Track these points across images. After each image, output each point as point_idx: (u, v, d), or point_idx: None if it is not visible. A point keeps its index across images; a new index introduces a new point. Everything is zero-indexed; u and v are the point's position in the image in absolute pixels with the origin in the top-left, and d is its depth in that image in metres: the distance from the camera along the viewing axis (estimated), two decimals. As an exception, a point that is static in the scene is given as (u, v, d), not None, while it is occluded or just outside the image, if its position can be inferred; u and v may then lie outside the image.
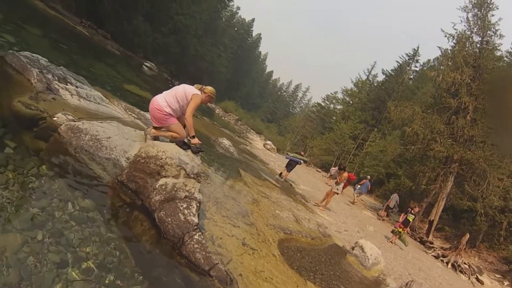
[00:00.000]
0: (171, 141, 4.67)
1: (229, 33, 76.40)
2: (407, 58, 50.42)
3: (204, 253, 3.43)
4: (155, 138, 4.70)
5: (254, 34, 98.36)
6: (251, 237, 4.79)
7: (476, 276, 16.06)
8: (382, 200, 28.16)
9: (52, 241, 2.58)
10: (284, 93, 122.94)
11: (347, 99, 56.72)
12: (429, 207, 22.41)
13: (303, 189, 14.47)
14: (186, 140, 4.74)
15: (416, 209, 14.88)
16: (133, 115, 6.42)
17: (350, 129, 46.14)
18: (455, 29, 22.16)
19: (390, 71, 51.47)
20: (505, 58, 22.51)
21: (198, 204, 3.94)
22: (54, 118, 3.96)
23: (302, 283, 4.48)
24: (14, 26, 9.65)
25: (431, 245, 18.43)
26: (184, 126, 4.78)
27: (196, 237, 3.53)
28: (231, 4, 74.73)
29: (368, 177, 22.41)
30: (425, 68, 46.92)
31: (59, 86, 4.73)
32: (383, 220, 20.23)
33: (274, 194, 8.63)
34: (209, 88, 4.96)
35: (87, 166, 3.80)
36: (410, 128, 22.51)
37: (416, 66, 51.05)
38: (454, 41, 22.39)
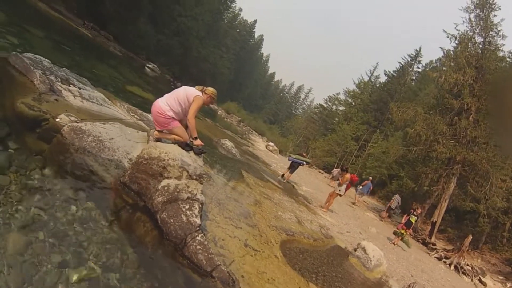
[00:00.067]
0: (173, 143, 4.67)
1: (231, 35, 76.53)
2: (409, 59, 50.44)
3: (206, 254, 3.42)
4: (158, 140, 4.71)
5: (256, 35, 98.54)
6: (253, 239, 4.78)
7: (479, 277, 15.98)
8: (384, 202, 28.08)
9: (54, 241, 2.58)
10: (287, 94, 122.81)
11: (349, 100, 56.70)
12: (432, 209, 22.37)
13: (305, 191, 14.45)
14: (188, 142, 4.74)
15: (419, 211, 14.84)
16: (136, 116, 6.43)
17: (352, 130, 46.08)
18: (457, 29, 22.21)
19: (392, 72, 51.55)
20: (507, 59, 22.40)
21: (200, 206, 3.94)
22: (57, 119, 3.97)
23: (304, 284, 4.47)
24: (18, 28, 9.69)
25: (434, 247, 18.38)
26: (186, 128, 4.79)
27: (198, 238, 3.52)
28: (233, 5, 74.86)
29: (370, 178, 22.41)
30: (427, 69, 46.96)
31: (62, 87, 4.74)
32: (386, 221, 20.19)
33: (276, 196, 8.63)
34: (210, 89, 4.97)
35: (90, 167, 3.81)
36: (413, 129, 22.46)
37: (418, 67, 51.11)
38: (456, 41, 22.40)
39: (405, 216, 14.43)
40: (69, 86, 4.94)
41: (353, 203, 20.26)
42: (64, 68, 5.34)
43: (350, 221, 12.87)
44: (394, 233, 13.94)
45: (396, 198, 20.84)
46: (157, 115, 4.56)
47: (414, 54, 50.14)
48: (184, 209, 3.71)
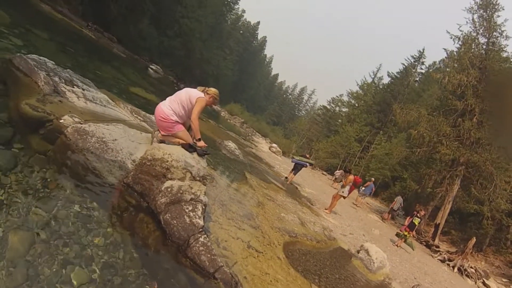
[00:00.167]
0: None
1: (234, 36, 76.76)
2: (412, 60, 50.23)
3: (209, 255, 3.43)
4: (162, 141, 4.72)
5: (259, 37, 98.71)
6: (256, 240, 4.78)
7: (483, 280, 15.89)
8: (387, 203, 28.03)
9: (57, 242, 2.59)
10: (290, 96, 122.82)
11: (353, 101, 56.58)
12: (435, 211, 22.27)
13: (308, 192, 14.44)
14: (192, 143, 4.74)
15: (422, 213, 14.79)
16: (139, 117, 6.44)
17: (355, 131, 45.96)
18: (460, 30, 22.13)
19: (395, 74, 51.31)
20: (511, 60, 22.31)
21: (203, 207, 3.95)
22: (61, 120, 3.98)
23: (307, 286, 4.46)
24: (22, 30, 9.73)
25: (437, 249, 18.29)
26: (189, 129, 4.80)
27: (201, 239, 3.52)
28: (236, 7, 75.05)
29: (373, 179, 22.38)
30: (430, 70, 46.75)
31: (65, 88, 4.76)
32: (387, 222, 20.13)
33: (279, 197, 8.63)
34: (212, 90, 4.98)
35: (93, 168, 3.82)
36: (416, 131, 22.39)
37: (421, 68, 50.84)
38: (460, 42, 22.33)
39: (408, 218, 14.39)
40: (73, 87, 4.96)
41: (355, 205, 20.21)
42: (68, 70, 5.36)
43: (353, 222, 12.84)
44: (397, 235, 13.90)
45: (398, 200, 20.80)
46: (161, 120, 4.57)
47: (418, 55, 49.98)
48: (187, 210, 3.71)
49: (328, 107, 63.91)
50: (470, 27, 21.74)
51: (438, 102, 25.11)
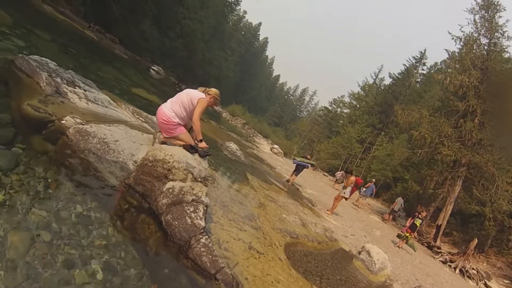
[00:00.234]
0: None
1: (236, 37, 76.86)
2: (414, 61, 50.20)
3: (210, 256, 3.42)
4: (164, 143, 4.72)
5: (261, 38, 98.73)
6: (257, 241, 4.77)
7: (485, 281, 15.85)
8: (389, 204, 27.99)
9: (59, 242, 2.59)
10: (291, 97, 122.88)
11: (354, 102, 56.57)
12: (437, 212, 22.23)
13: (310, 193, 14.42)
14: (193, 144, 4.74)
15: (424, 214, 14.76)
16: (141, 118, 6.46)
17: (357, 133, 45.92)
18: (462, 31, 22.13)
19: (397, 75, 51.29)
20: (513, 60, 22.30)
21: (205, 208, 3.94)
22: (63, 121, 3.99)
23: (308, 287, 4.46)
24: (24, 30, 9.75)
25: (439, 250, 18.26)
26: (191, 130, 4.80)
27: (202, 240, 3.52)
28: (238, 8, 75.10)
29: (374, 180, 22.34)
30: (432, 71, 46.67)
31: (67, 89, 4.77)
32: (388, 223, 20.11)
33: (281, 198, 8.63)
34: (213, 90, 4.98)
35: (95, 169, 3.82)
36: (418, 132, 22.39)
37: (423, 69, 50.85)
38: (462, 43, 22.33)
39: (409, 219, 14.36)
40: (75, 88, 4.97)
41: (356, 206, 20.19)
42: (70, 70, 5.38)
43: (354, 224, 12.82)
44: (399, 236, 13.87)
45: (399, 201, 20.80)
46: (163, 123, 4.57)
47: (419, 56, 49.96)
48: (188, 211, 3.71)
49: (330, 108, 63.81)
50: (471, 27, 21.77)
51: (439, 103, 25.10)
